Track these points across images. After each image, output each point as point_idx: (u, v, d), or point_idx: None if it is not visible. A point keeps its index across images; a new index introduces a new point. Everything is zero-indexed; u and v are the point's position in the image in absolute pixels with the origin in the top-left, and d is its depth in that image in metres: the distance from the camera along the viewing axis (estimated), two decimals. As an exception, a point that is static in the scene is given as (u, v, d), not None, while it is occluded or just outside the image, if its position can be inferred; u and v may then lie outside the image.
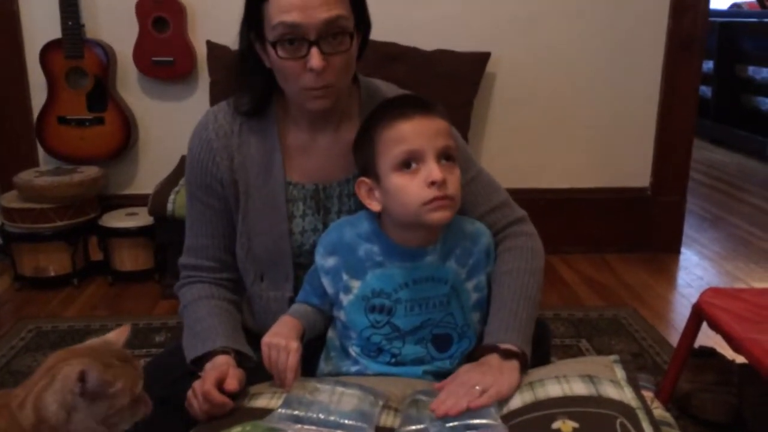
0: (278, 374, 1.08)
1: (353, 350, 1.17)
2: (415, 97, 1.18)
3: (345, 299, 1.16)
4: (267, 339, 1.10)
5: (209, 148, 1.23)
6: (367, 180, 1.14)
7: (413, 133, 1.08)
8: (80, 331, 2.24)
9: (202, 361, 1.15)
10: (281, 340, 1.09)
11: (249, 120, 1.25)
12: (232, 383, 1.07)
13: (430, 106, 1.12)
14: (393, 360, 1.16)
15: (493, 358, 1.08)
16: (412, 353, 1.16)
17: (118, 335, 1.05)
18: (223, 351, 1.15)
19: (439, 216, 1.08)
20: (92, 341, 1.04)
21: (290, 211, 1.25)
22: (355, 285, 1.15)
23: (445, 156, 1.09)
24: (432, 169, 1.06)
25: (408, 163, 1.08)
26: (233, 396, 1.07)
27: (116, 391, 0.95)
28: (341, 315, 1.17)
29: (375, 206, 1.14)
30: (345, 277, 1.15)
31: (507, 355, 1.08)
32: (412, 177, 1.08)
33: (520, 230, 1.25)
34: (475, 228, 1.21)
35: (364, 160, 1.15)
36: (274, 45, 1.12)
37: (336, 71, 1.13)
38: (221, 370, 1.09)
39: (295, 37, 1.10)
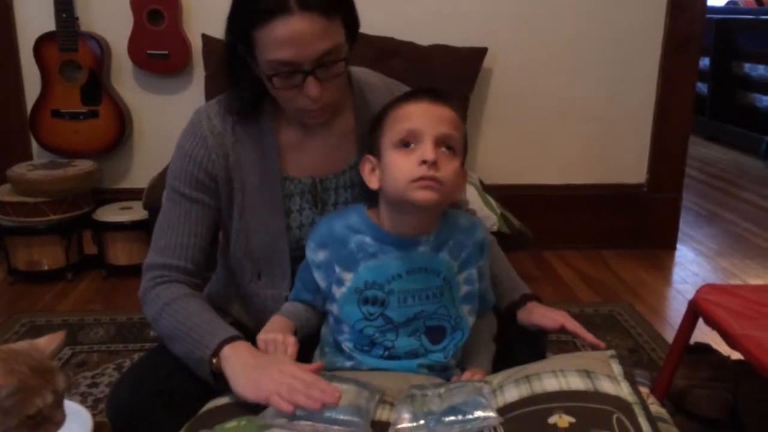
0: None
1: (346, 345, 1.16)
2: (431, 88, 1.19)
3: (338, 292, 1.15)
4: (263, 335, 1.10)
5: (205, 145, 1.22)
6: (371, 157, 1.15)
7: (417, 113, 1.10)
8: (74, 326, 2.23)
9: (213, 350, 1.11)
10: (278, 335, 1.09)
11: (241, 118, 1.24)
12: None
13: (441, 96, 1.14)
14: (386, 353, 1.15)
15: (537, 304, 1.28)
16: (406, 345, 1.15)
17: (48, 341, 0.97)
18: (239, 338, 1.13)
19: (423, 195, 1.07)
20: (18, 344, 0.95)
21: (287, 207, 1.25)
22: (348, 277, 1.14)
23: (446, 144, 1.10)
24: (426, 149, 1.07)
25: (407, 142, 1.09)
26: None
27: (12, 403, 0.86)
28: (334, 308, 1.16)
29: (374, 183, 1.14)
30: (337, 269, 1.15)
31: (539, 299, 1.30)
32: (408, 155, 1.09)
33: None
34: (469, 222, 1.21)
35: (372, 139, 1.16)
36: (269, 78, 1.12)
37: (332, 91, 1.15)
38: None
39: (291, 70, 1.11)
